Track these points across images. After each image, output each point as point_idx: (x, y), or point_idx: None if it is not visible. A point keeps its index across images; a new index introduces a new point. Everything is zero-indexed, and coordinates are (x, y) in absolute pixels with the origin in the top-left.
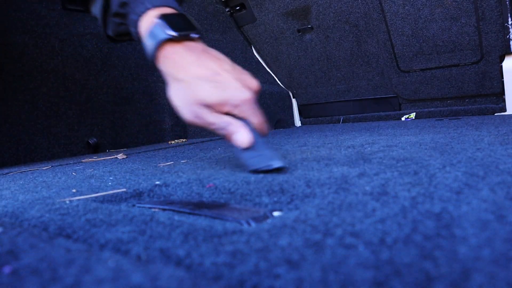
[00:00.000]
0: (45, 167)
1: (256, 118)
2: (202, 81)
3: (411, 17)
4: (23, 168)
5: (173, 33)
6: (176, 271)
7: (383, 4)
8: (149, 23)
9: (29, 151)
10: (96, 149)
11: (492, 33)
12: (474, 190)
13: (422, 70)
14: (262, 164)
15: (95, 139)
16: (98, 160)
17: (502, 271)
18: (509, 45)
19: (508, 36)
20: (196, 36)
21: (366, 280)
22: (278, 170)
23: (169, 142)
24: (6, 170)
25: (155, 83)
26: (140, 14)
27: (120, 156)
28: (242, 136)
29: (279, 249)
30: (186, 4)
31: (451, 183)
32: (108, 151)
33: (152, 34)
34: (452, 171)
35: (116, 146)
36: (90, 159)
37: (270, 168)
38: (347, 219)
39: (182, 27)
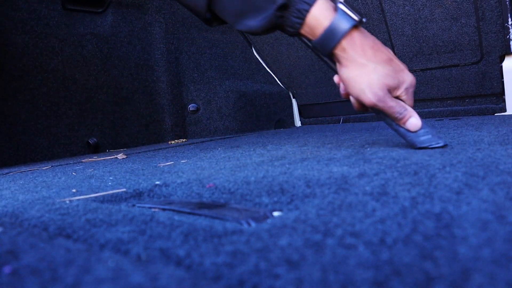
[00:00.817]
0: (45, 167)
1: (413, 101)
2: (383, 66)
3: (411, 18)
4: (23, 168)
5: (357, 19)
6: (176, 271)
7: (383, 4)
8: (327, 12)
9: (29, 151)
10: (96, 149)
11: (492, 33)
12: (474, 190)
13: (422, 70)
14: (430, 143)
15: (95, 139)
16: (98, 160)
17: (502, 271)
18: (509, 45)
19: (508, 36)
20: (365, 20)
21: (366, 280)
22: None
23: (169, 142)
24: (6, 170)
25: (155, 83)
26: (311, 4)
27: (120, 156)
28: (416, 121)
29: (279, 249)
30: None
31: (451, 183)
32: (108, 151)
33: (337, 22)
34: (452, 171)
35: (116, 146)
36: (90, 159)
37: (438, 145)
38: (347, 219)
39: (357, 12)
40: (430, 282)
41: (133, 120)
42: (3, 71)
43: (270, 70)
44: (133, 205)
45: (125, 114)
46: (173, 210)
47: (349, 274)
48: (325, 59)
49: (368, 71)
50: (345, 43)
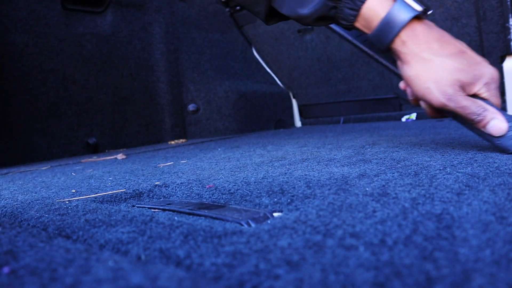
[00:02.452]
0: (44, 167)
1: (499, 98)
2: (453, 59)
3: None
4: (22, 168)
5: (420, 9)
6: (176, 271)
7: None
8: (385, 2)
9: (28, 151)
10: (95, 149)
11: (493, 33)
12: (474, 191)
13: None
14: None
15: (94, 139)
16: (97, 160)
17: (502, 272)
18: (510, 46)
19: (509, 37)
20: (430, 12)
21: (366, 281)
22: None
23: (169, 142)
24: (5, 170)
25: (155, 83)
26: None
27: (119, 156)
28: (500, 123)
29: (279, 250)
30: (186, 4)
31: (452, 184)
32: (108, 151)
33: (395, 12)
34: (453, 172)
35: (116, 146)
36: (89, 159)
37: None
38: (348, 220)
39: (421, 2)
40: (431, 283)
41: (132, 120)
42: (3, 71)
43: (270, 70)
44: (133, 206)
45: (125, 114)
46: (173, 211)
47: (349, 275)
48: (384, 61)
49: (434, 66)
50: (405, 36)
